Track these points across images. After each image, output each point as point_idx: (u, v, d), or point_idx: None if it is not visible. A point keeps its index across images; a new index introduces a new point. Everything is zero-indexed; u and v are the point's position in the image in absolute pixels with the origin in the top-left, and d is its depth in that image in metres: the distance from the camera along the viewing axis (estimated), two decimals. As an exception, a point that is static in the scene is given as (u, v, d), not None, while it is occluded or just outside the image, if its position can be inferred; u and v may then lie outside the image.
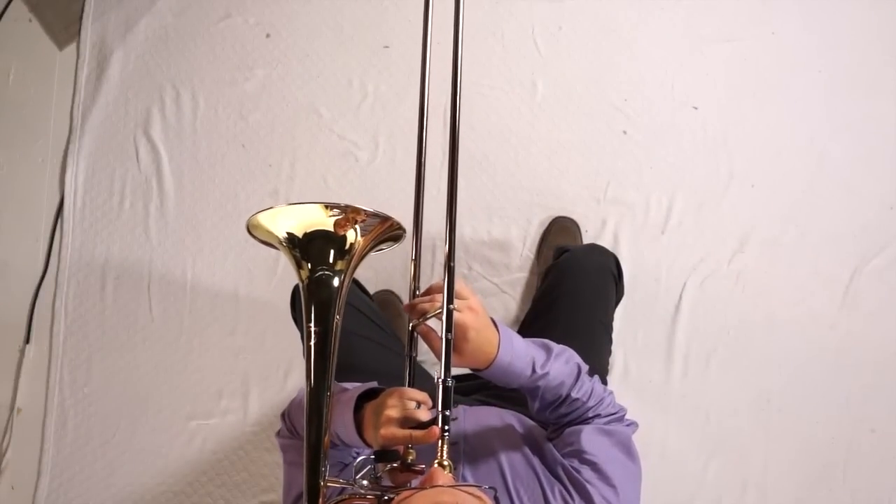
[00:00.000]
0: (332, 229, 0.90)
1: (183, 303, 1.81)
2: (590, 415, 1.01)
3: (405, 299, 1.70)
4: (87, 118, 1.92)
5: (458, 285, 0.91)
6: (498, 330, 0.93)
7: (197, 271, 1.82)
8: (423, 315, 0.93)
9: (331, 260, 0.90)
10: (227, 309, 1.80)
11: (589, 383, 1.01)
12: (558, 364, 0.97)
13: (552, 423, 1.03)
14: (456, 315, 0.88)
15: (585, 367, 1.02)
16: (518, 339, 0.96)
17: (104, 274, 1.85)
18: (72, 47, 1.98)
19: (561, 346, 1.01)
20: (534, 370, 0.95)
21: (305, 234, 0.90)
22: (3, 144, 1.97)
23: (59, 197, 1.91)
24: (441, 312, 0.89)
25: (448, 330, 0.89)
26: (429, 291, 0.95)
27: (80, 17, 1.97)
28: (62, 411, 1.80)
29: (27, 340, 1.86)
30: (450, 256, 0.92)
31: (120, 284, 1.84)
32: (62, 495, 1.77)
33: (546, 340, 1.01)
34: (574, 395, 0.99)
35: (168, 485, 1.74)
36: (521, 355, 0.94)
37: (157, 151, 1.88)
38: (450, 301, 0.89)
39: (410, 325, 0.97)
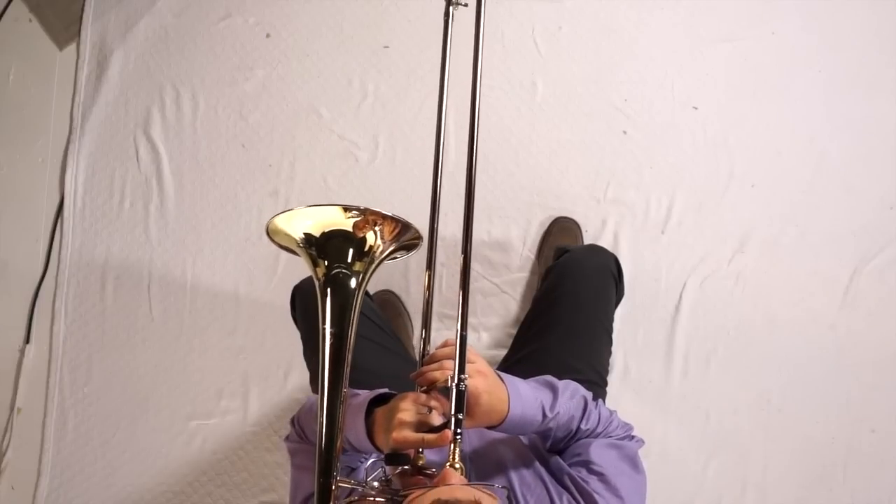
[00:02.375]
0: (350, 230, 0.89)
1: (183, 303, 1.81)
2: (600, 438, 1.01)
3: (405, 299, 1.71)
4: (87, 118, 1.92)
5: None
6: (505, 383, 0.93)
7: (197, 271, 1.82)
8: (433, 384, 0.92)
9: (349, 259, 0.89)
10: (227, 309, 1.80)
11: (595, 412, 1.02)
12: (565, 400, 0.98)
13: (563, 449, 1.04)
14: (468, 382, 0.88)
15: (590, 396, 1.03)
16: (524, 385, 0.96)
17: (104, 274, 1.85)
18: (72, 47, 1.98)
19: (564, 381, 1.01)
20: (544, 414, 0.95)
21: (323, 234, 0.89)
22: (3, 144, 1.97)
23: (59, 197, 1.91)
24: (449, 380, 0.88)
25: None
26: (433, 358, 0.94)
27: (80, 17, 1.97)
28: (62, 411, 1.80)
29: (27, 340, 1.86)
30: (463, 324, 0.91)
31: (120, 284, 1.84)
32: (62, 495, 1.77)
33: (548, 377, 1.01)
34: (583, 426, 1.00)
35: (168, 485, 1.74)
36: (531, 403, 0.94)
37: (157, 151, 1.88)
38: (461, 371, 0.88)
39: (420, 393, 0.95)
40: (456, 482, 0.79)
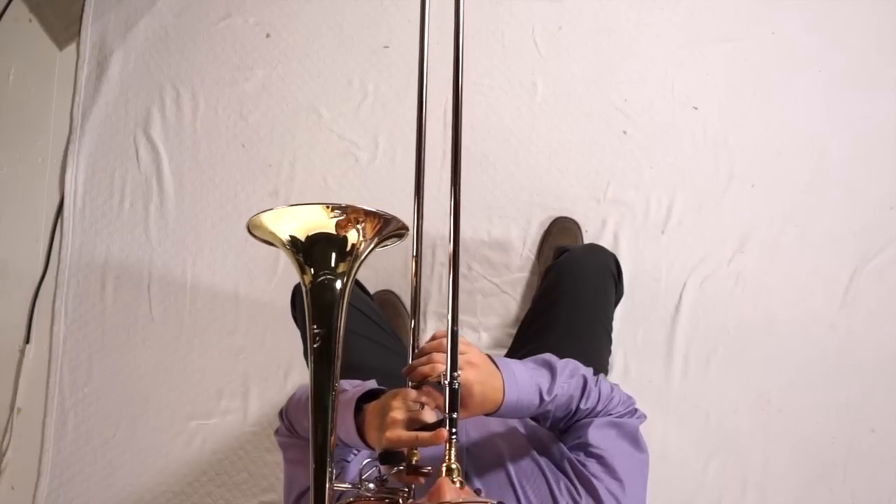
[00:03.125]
0: (334, 231, 0.89)
1: (183, 303, 1.81)
2: (601, 416, 1.00)
3: (405, 299, 1.71)
4: (87, 118, 1.92)
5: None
6: (500, 369, 0.92)
7: (197, 271, 1.82)
8: (423, 379, 0.90)
9: (332, 264, 0.89)
10: (227, 309, 1.80)
11: (595, 389, 1.00)
12: (563, 380, 0.96)
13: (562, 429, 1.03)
14: (459, 377, 0.87)
15: (590, 373, 1.01)
16: (520, 370, 0.94)
17: (104, 274, 1.85)
18: (72, 47, 1.98)
19: (563, 360, 1.00)
20: (542, 398, 0.94)
21: (308, 238, 0.89)
22: (3, 144, 1.97)
23: (59, 197, 1.91)
24: (441, 376, 0.87)
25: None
26: (422, 352, 0.92)
27: (80, 17, 1.97)
28: (62, 411, 1.80)
29: (27, 340, 1.86)
30: (454, 320, 0.90)
31: (120, 284, 1.84)
32: (62, 495, 1.77)
33: (546, 356, 0.99)
34: (583, 406, 0.98)
35: (168, 485, 1.74)
36: (527, 387, 0.93)
37: (157, 151, 1.89)
38: (453, 369, 0.86)
39: (411, 388, 0.93)
40: (450, 497, 0.77)
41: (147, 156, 1.89)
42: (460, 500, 0.78)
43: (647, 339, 1.67)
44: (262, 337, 1.77)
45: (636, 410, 1.04)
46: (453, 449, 0.83)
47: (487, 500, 0.81)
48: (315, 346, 0.85)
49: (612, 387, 1.04)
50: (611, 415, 1.00)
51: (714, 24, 1.80)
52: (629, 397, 1.05)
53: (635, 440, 0.98)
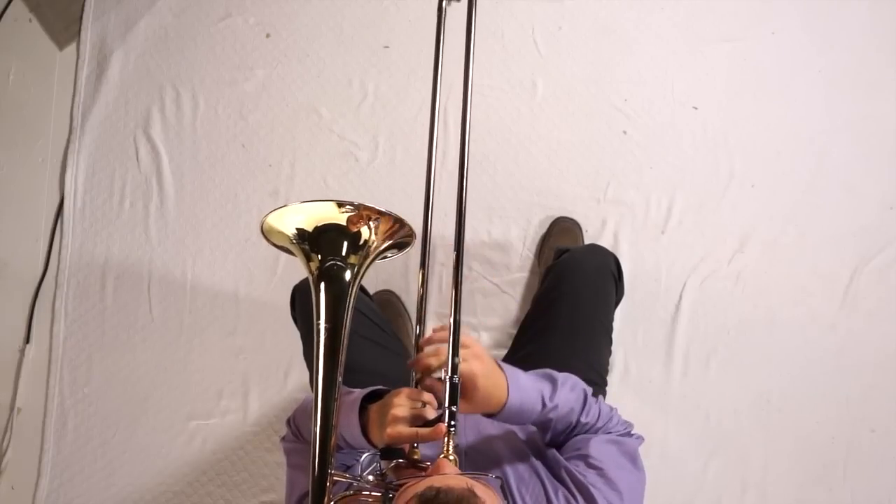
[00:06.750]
0: (344, 224, 0.89)
1: (183, 303, 1.81)
2: (601, 433, 1.01)
3: (405, 299, 1.71)
4: (87, 118, 1.92)
5: (461, 334, 0.91)
6: (504, 371, 0.93)
7: (197, 271, 1.82)
8: (428, 370, 0.92)
9: (343, 252, 0.89)
10: (227, 309, 1.80)
11: (595, 406, 1.02)
12: (565, 392, 0.98)
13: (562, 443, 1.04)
14: (462, 366, 0.88)
15: (590, 391, 1.03)
16: (523, 375, 0.96)
17: (104, 274, 1.85)
18: (72, 47, 1.98)
19: (563, 374, 1.02)
20: (544, 404, 0.95)
21: (316, 228, 0.89)
22: (3, 144, 1.97)
23: (59, 197, 1.91)
24: (442, 373, 0.88)
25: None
26: (429, 341, 0.94)
27: (80, 17, 1.97)
28: (62, 411, 1.80)
29: (27, 340, 1.86)
30: (456, 309, 0.91)
31: (120, 284, 1.84)
32: (62, 495, 1.77)
33: (548, 370, 1.01)
34: (583, 419, 1.00)
35: (168, 485, 1.74)
36: (530, 392, 0.94)
37: (157, 151, 1.88)
38: (455, 354, 0.88)
39: (415, 379, 0.95)
40: (449, 472, 0.80)
41: (147, 156, 1.89)
42: (459, 473, 0.79)
43: (647, 339, 1.67)
44: (262, 337, 1.77)
45: (633, 433, 1.05)
46: (452, 441, 0.84)
47: (485, 473, 0.82)
48: (321, 340, 0.86)
49: (612, 408, 1.06)
50: (610, 433, 1.01)
51: (714, 24, 1.80)
52: (627, 421, 1.06)
53: (634, 459, 1.00)
